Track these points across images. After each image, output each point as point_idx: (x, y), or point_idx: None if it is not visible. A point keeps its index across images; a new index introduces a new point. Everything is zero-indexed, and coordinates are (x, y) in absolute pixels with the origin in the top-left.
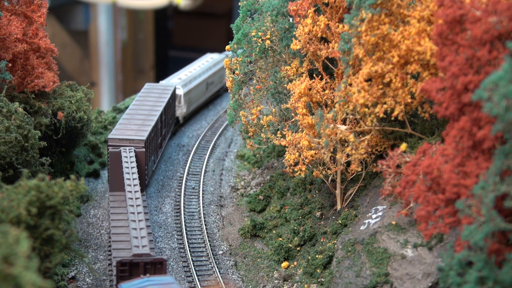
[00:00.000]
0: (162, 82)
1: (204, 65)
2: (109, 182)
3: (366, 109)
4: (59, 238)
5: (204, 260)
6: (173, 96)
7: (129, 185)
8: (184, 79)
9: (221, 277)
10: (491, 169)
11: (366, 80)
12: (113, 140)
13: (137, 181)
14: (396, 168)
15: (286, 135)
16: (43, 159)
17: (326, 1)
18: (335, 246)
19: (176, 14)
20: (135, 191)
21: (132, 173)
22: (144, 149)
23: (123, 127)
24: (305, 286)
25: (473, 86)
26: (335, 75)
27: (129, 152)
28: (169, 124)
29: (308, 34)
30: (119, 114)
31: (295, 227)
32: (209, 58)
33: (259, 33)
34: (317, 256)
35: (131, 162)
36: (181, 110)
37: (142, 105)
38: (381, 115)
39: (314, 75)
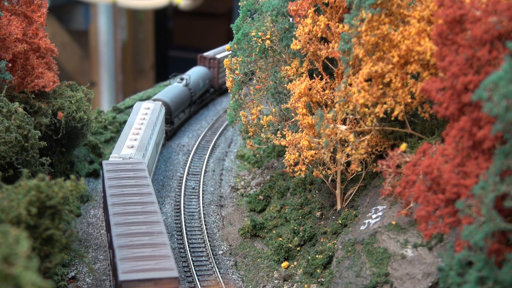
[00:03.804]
0: (114, 155)
1: (146, 120)
2: None
3: (366, 109)
4: (59, 238)
5: (204, 260)
6: None
7: None
8: (138, 146)
9: (221, 277)
10: (491, 169)
11: (366, 80)
12: (129, 284)
13: None
14: (396, 168)
15: (286, 135)
16: (43, 159)
17: (326, 1)
18: (335, 246)
19: (176, 14)
20: None
21: None
22: None
23: (130, 254)
24: (305, 286)
25: (473, 86)
26: (335, 75)
27: None
28: None
29: (308, 34)
30: (119, 114)
31: (295, 227)
32: (144, 109)
33: (259, 33)
34: (317, 256)
35: None
36: None
37: (126, 202)
38: (381, 115)
39: (314, 75)
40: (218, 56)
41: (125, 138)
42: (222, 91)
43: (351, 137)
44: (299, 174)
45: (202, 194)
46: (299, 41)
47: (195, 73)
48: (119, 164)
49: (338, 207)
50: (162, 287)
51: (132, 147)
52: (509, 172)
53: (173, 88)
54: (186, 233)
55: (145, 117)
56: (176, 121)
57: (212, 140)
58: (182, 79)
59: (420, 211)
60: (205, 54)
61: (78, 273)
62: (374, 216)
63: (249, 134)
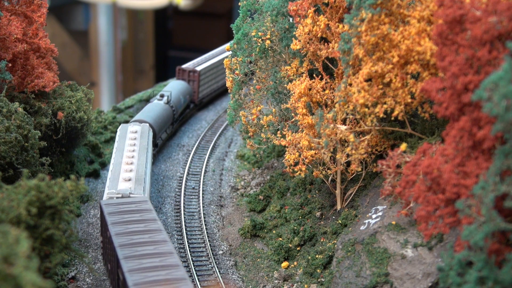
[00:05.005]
0: (111, 191)
1: (137, 146)
2: None
3: (366, 109)
4: (59, 238)
5: (204, 260)
6: None
7: None
8: (136, 179)
9: (221, 277)
10: (491, 169)
11: (366, 80)
12: None
13: None
14: (396, 168)
15: (286, 135)
16: (43, 159)
17: (326, 1)
18: (335, 246)
19: (176, 14)
20: None
21: None
22: None
23: None
24: (305, 286)
25: (473, 86)
26: (335, 75)
27: None
28: None
29: (308, 34)
30: (119, 114)
31: (295, 227)
32: (132, 133)
33: (259, 33)
34: (317, 256)
35: None
36: None
37: (140, 254)
38: (381, 115)
39: (314, 75)
40: (199, 68)
41: (118, 168)
42: (202, 105)
43: (351, 137)
44: (299, 174)
45: (202, 194)
46: (299, 41)
47: (175, 88)
48: (121, 205)
49: (338, 207)
50: None
51: (129, 179)
52: (509, 172)
53: (154, 107)
54: (186, 233)
55: (134, 142)
56: (159, 142)
57: (212, 140)
58: (162, 96)
59: (420, 211)
60: (184, 66)
61: (78, 273)
62: (374, 216)
63: (249, 134)
